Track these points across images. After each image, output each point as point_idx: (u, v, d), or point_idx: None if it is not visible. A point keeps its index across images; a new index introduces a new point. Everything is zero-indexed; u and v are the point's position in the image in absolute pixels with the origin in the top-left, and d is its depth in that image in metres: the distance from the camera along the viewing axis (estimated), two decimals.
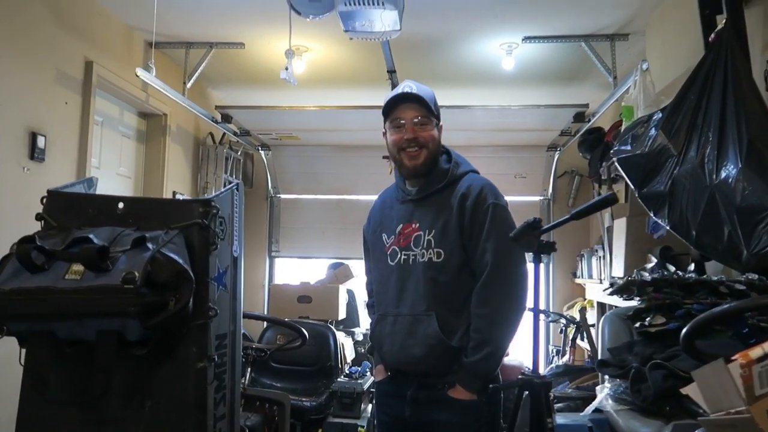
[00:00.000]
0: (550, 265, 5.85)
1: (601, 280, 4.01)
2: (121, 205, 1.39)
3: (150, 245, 1.23)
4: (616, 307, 3.22)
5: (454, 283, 1.85)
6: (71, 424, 1.35)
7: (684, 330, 1.44)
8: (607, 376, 1.96)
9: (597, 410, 1.90)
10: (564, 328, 4.40)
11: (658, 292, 1.84)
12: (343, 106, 4.50)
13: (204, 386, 1.35)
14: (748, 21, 2.27)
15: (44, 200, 1.42)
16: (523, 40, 3.93)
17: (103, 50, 3.58)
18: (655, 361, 1.70)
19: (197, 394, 1.35)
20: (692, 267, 2.07)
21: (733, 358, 0.92)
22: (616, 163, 2.32)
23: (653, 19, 3.61)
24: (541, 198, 5.88)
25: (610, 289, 2.09)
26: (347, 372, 2.95)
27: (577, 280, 5.41)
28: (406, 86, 1.94)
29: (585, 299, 5.00)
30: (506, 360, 4.93)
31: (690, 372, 1.41)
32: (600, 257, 4.49)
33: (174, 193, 4.62)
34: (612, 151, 2.37)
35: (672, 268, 2.08)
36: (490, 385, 1.68)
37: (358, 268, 5.89)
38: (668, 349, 1.80)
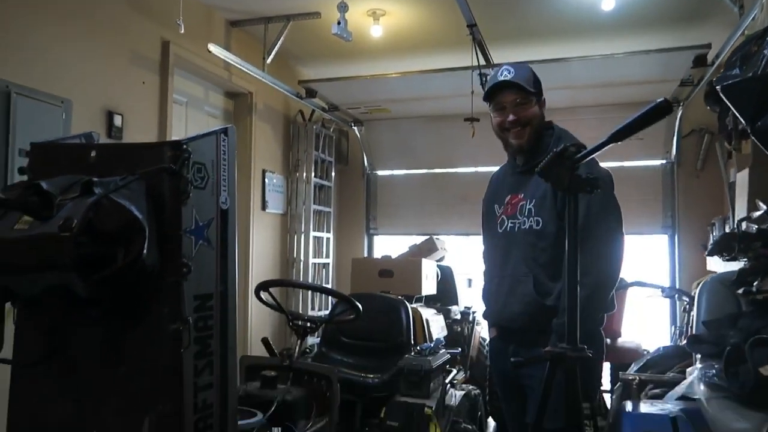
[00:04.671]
0: (675, 237, 5.16)
1: None
2: (93, 153, 1.29)
3: (97, 190, 1.10)
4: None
5: (550, 249, 1.92)
6: (52, 388, 1.27)
7: None
8: (699, 356, 1.55)
9: (685, 397, 1.51)
10: (686, 306, 3.81)
11: None
12: (426, 70, 4.23)
13: (178, 350, 1.21)
14: None
15: (27, 153, 1.36)
16: None
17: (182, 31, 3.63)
18: (758, 337, 1.29)
19: (171, 358, 1.21)
20: None
21: None
22: (720, 93, 1.85)
23: None
24: (663, 162, 5.19)
25: (709, 249, 1.66)
26: (418, 349, 2.72)
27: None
28: (504, 71, 2.03)
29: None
30: (621, 342, 4.43)
31: None
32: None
33: (263, 172, 4.65)
34: (715, 80, 1.90)
35: None
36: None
37: (458, 243, 5.63)
38: None
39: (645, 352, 4.09)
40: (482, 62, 3.99)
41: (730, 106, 1.85)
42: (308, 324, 2.23)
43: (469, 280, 5.36)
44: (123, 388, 1.22)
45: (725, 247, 1.55)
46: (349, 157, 5.95)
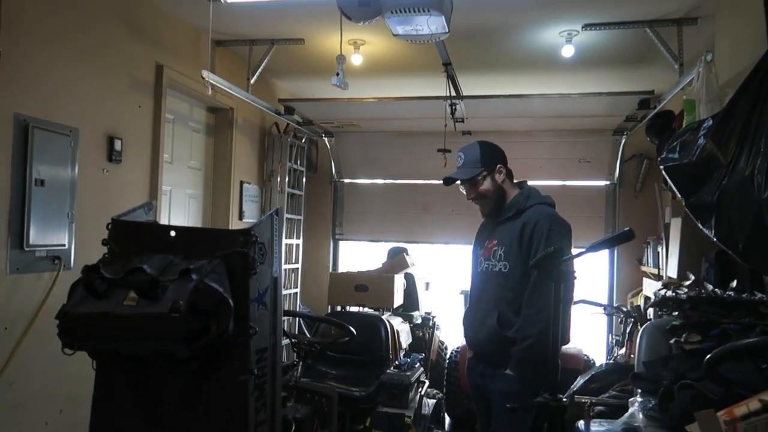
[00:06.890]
0: (614, 252, 5.72)
1: (659, 274, 3.92)
2: (173, 233, 1.56)
3: (194, 276, 1.38)
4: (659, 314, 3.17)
5: (515, 289, 2.36)
6: (136, 428, 1.55)
7: (708, 357, 1.45)
8: (639, 391, 1.98)
9: (627, 423, 1.93)
10: (623, 318, 4.33)
11: (695, 310, 1.84)
12: (401, 98, 4.55)
13: (246, 396, 1.52)
14: None
15: (109, 227, 1.61)
16: (583, 27, 3.82)
17: (172, 53, 3.81)
18: (684, 381, 1.71)
19: (240, 403, 1.52)
20: (734, 284, 2.03)
21: (719, 413, 0.95)
22: (663, 173, 2.28)
23: (723, 1, 3.41)
24: (607, 183, 5.73)
25: (650, 303, 2.09)
26: (397, 363, 3.08)
27: (643, 268, 5.28)
28: (459, 157, 2.55)
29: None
30: (565, 348, 4.94)
31: (717, 396, 1.43)
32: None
33: (241, 183, 4.87)
34: (659, 159, 2.32)
35: (710, 287, 2.04)
36: (507, 405, 1.78)
37: (419, 251, 6.00)
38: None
39: (585, 357, 4.63)
40: (453, 94, 4.36)
41: (671, 183, 2.28)
42: (312, 347, 2.54)
43: (427, 284, 5.76)
44: (200, 425, 1.51)
45: (662, 305, 1.97)
46: (318, 165, 6.21)
